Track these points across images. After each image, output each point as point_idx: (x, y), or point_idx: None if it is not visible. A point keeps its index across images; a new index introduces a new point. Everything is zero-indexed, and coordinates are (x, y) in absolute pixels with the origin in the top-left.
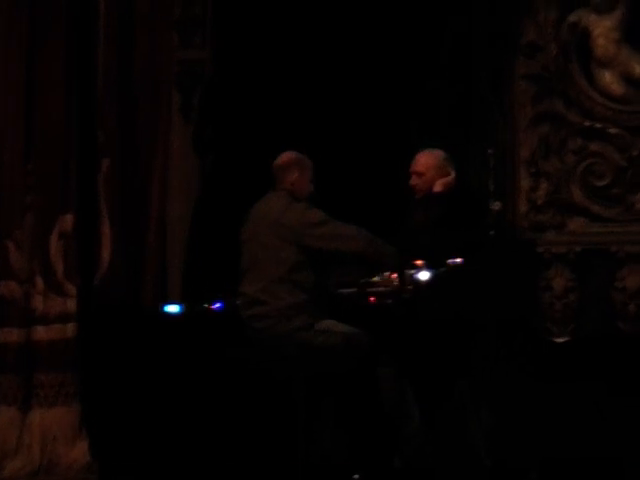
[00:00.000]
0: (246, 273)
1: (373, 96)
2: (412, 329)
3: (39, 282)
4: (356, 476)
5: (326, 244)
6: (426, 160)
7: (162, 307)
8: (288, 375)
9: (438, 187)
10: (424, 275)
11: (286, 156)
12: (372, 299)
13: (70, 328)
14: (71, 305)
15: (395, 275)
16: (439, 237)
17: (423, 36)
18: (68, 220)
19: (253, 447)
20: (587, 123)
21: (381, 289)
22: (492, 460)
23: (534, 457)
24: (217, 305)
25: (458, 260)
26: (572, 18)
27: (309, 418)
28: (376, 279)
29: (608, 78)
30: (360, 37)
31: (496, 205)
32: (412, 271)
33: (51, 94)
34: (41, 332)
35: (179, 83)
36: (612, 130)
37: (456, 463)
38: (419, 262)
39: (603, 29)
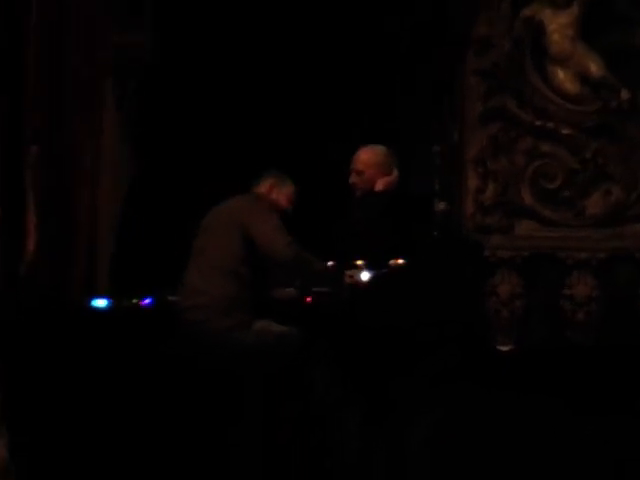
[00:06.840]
0: (191, 263)
1: (320, 85)
2: (349, 330)
3: None
4: None
5: (259, 238)
6: (367, 157)
7: (89, 301)
8: (216, 374)
9: (379, 186)
10: (364, 276)
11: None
12: (309, 299)
13: None
14: None
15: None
16: (379, 237)
17: (371, 27)
18: None
19: (178, 448)
20: (539, 122)
21: (319, 288)
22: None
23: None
24: (147, 301)
25: (400, 261)
26: (526, 12)
27: (236, 417)
28: None
29: (562, 76)
30: (306, 24)
31: (441, 205)
32: (351, 271)
33: None
34: None
35: (115, 69)
36: (565, 130)
37: (391, 469)
38: (359, 262)
39: (558, 25)
